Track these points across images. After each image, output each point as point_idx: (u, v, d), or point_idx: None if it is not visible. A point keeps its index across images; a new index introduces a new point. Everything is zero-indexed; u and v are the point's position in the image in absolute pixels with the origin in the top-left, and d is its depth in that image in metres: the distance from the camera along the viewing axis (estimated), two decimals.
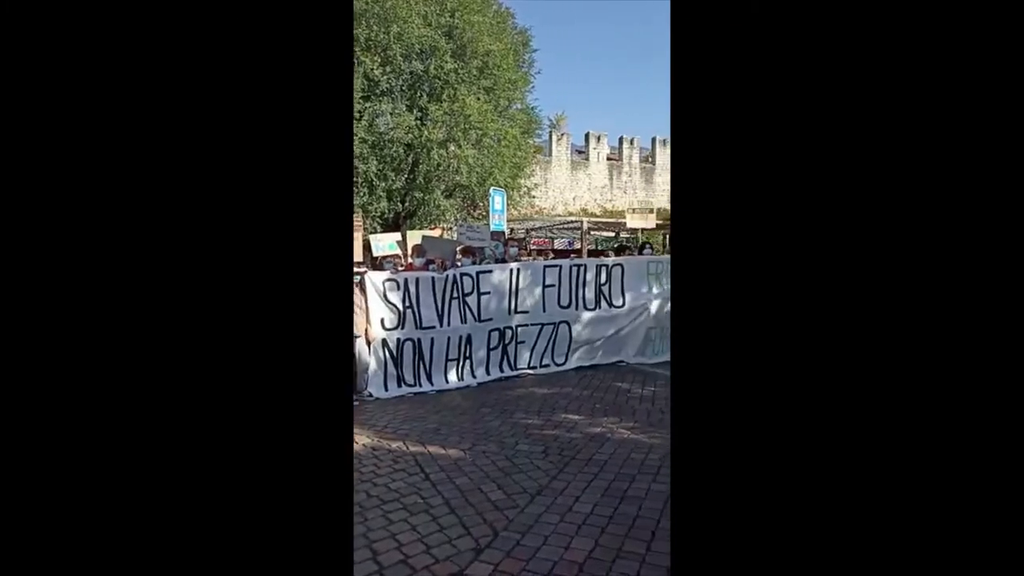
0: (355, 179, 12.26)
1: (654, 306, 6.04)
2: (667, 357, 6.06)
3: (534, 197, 19.83)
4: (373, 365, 4.84)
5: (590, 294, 5.77)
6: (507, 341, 5.42)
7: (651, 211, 12.99)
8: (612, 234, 15.17)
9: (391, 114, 12.84)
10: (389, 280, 4.93)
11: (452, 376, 5.12)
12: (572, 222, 14.05)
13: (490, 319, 5.30)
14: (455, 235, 8.47)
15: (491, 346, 5.35)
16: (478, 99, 13.56)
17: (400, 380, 4.95)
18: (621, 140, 25.38)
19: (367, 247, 7.45)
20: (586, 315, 5.75)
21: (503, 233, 7.56)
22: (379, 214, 13.14)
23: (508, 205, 11.93)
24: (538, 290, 5.54)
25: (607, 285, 5.85)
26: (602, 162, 24.85)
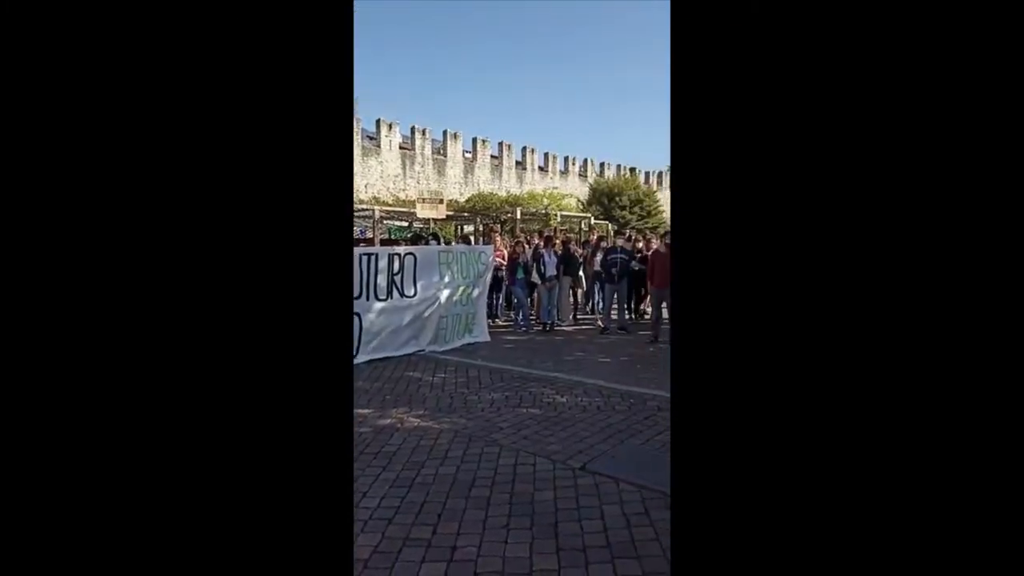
0: None
1: (444, 295, 6.17)
2: (458, 344, 6.27)
3: None
4: None
5: (383, 282, 5.64)
6: None
7: (441, 201, 13.24)
8: (406, 224, 15.09)
9: None
10: None
11: None
12: (364, 210, 13.55)
13: None
14: None
15: None
16: None
17: None
18: (413, 130, 25.34)
19: None
20: (378, 305, 5.60)
21: None
22: None
23: None
24: None
25: (400, 275, 5.78)
26: (395, 150, 24.51)
